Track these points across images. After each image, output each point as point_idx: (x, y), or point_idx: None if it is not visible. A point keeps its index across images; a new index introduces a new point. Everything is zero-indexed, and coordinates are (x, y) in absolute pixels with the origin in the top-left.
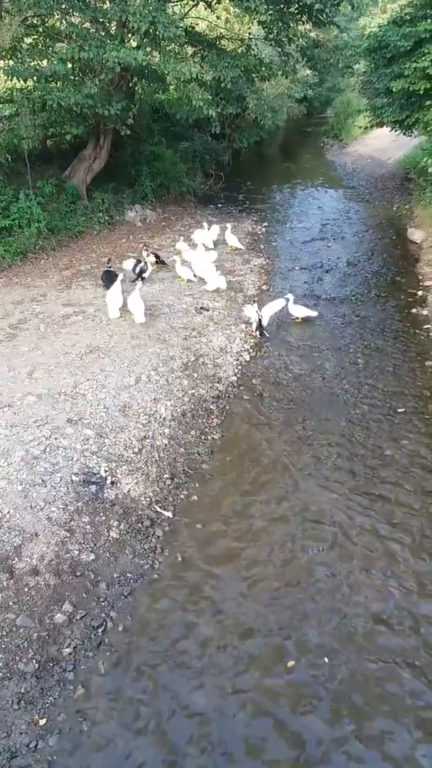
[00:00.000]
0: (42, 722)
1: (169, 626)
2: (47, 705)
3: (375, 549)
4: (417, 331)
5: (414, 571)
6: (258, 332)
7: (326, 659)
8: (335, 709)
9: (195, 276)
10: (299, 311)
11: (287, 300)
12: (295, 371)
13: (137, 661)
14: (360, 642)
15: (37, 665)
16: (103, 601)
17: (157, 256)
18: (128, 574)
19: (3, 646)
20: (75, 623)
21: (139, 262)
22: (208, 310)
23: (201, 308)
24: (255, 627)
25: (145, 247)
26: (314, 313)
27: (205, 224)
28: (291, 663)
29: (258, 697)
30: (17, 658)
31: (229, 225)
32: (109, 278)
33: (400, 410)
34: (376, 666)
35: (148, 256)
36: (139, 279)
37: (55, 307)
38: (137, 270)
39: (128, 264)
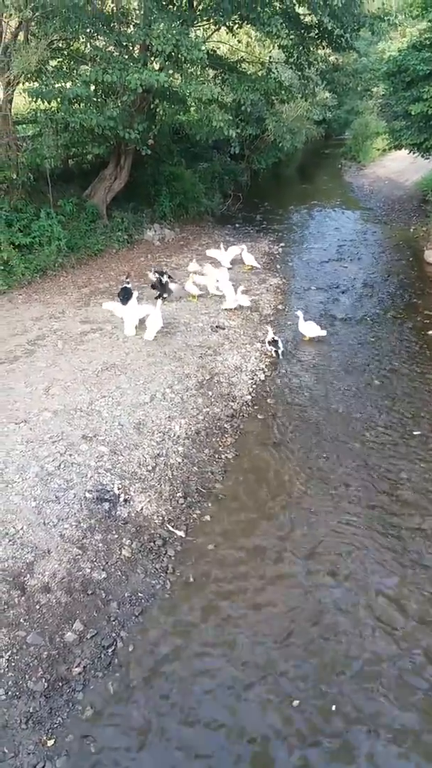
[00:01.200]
0: (50, 743)
1: (179, 648)
2: (56, 725)
3: (389, 573)
4: None
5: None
6: (273, 352)
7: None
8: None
9: (206, 291)
10: (309, 330)
11: (297, 317)
12: (310, 391)
13: (147, 683)
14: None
15: (46, 684)
16: (113, 621)
17: (161, 274)
18: (139, 594)
19: (13, 664)
20: (85, 642)
21: (162, 274)
22: (223, 329)
23: (217, 327)
24: (267, 648)
25: (152, 269)
26: (323, 333)
27: (222, 245)
28: (296, 703)
29: (265, 723)
30: (27, 676)
31: (244, 246)
32: (125, 295)
33: (416, 433)
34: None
35: (152, 274)
36: (161, 298)
37: (73, 324)
38: (163, 281)
39: (152, 276)
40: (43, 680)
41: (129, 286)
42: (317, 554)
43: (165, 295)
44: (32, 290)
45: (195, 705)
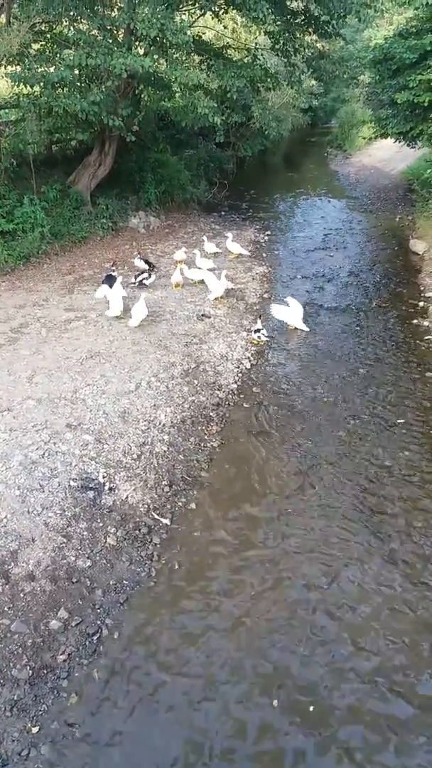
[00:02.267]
0: (35, 730)
1: (164, 635)
2: (40, 713)
3: (370, 560)
4: (418, 341)
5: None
6: (258, 338)
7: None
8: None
9: (189, 279)
10: (296, 320)
11: (288, 304)
12: (295, 380)
13: (132, 670)
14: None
15: (30, 672)
16: (98, 608)
17: (147, 262)
18: (124, 582)
19: None
20: (70, 630)
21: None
22: (209, 318)
23: (202, 315)
24: (250, 635)
25: (137, 254)
26: (306, 329)
27: (204, 238)
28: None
29: (252, 710)
30: (11, 664)
31: (230, 234)
32: (110, 282)
33: (400, 421)
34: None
35: (138, 258)
36: (141, 284)
37: (56, 311)
38: (138, 278)
39: (138, 262)
40: (28, 668)
41: (114, 273)
42: (303, 540)
43: (146, 282)
44: (15, 277)
45: (181, 691)
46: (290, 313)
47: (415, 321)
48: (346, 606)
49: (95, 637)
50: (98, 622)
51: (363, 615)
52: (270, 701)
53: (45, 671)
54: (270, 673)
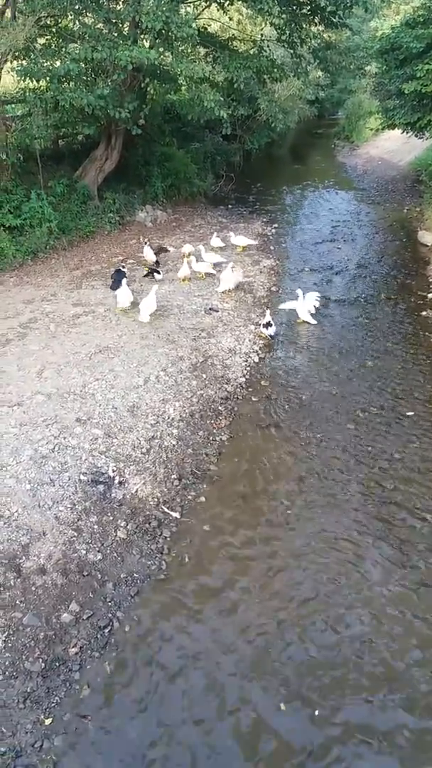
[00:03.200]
0: (48, 722)
1: (175, 627)
2: (53, 705)
3: (380, 552)
4: (427, 333)
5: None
6: (268, 335)
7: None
8: None
9: (197, 272)
10: (304, 312)
11: (297, 295)
12: (303, 373)
13: (143, 662)
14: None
15: (43, 664)
16: (109, 601)
17: (161, 249)
18: (135, 575)
19: (10, 644)
20: (81, 623)
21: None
22: (217, 311)
23: (210, 309)
24: (261, 629)
25: (147, 241)
26: (314, 321)
27: (214, 233)
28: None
29: (260, 707)
30: (23, 657)
31: (232, 233)
32: (118, 277)
33: (408, 413)
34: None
35: (146, 245)
36: (152, 275)
37: (65, 306)
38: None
39: (148, 252)
40: (40, 660)
41: (124, 269)
42: (312, 534)
43: (157, 276)
44: (23, 273)
45: (192, 685)
46: (299, 305)
47: (423, 313)
48: (359, 602)
49: (107, 630)
50: (109, 615)
51: (377, 605)
52: (276, 703)
53: (57, 664)
54: (277, 669)
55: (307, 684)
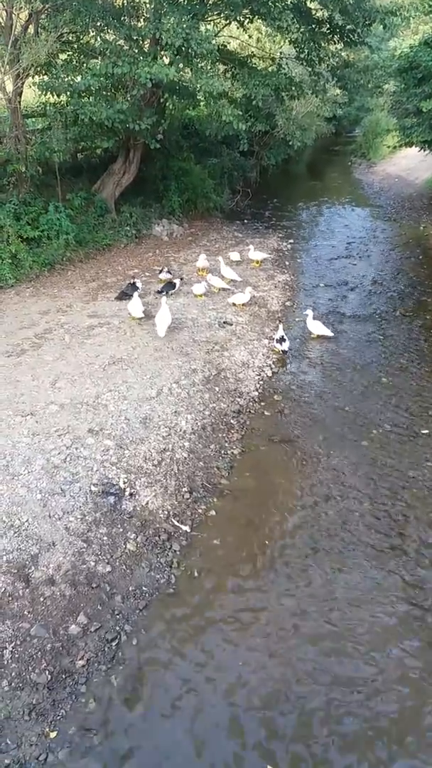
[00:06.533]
0: (53, 735)
1: (182, 642)
2: (58, 717)
3: (395, 573)
4: None
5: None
6: (281, 351)
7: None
8: None
9: (212, 287)
10: (316, 328)
11: (306, 315)
12: (317, 388)
13: (150, 676)
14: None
15: (49, 676)
16: (117, 614)
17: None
18: (144, 588)
19: (16, 655)
20: (89, 635)
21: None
22: (231, 325)
23: (224, 323)
24: (273, 647)
25: (165, 267)
26: (330, 334)
27: (231, 248)
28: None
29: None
30: (30, 668)
31: (251, 246)
32: (130, 290)
33: (424, 431)
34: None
35: (162, 272)
36: (165, 293)
37: (80, 317)
38: (174, 282)
39: (164, 275)
40: (47, 672)
41: (138, 283)
42: (323, 550)
43: (171, 291)
44: (40, 284)
45: (199, 700)
46: (310, 322)
47: None
48: (369, 618)
49: (114, 643)
50: (117, 628)
51: (382, 634)
52: (286, 719)
53: (63, 676)
54: (289, 689)
55: (320, 695)
